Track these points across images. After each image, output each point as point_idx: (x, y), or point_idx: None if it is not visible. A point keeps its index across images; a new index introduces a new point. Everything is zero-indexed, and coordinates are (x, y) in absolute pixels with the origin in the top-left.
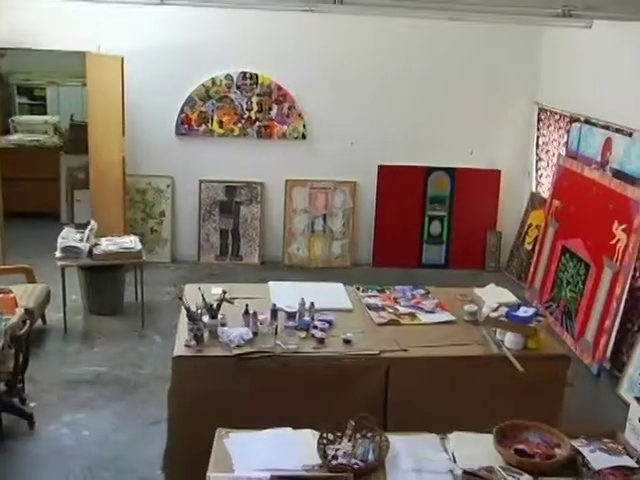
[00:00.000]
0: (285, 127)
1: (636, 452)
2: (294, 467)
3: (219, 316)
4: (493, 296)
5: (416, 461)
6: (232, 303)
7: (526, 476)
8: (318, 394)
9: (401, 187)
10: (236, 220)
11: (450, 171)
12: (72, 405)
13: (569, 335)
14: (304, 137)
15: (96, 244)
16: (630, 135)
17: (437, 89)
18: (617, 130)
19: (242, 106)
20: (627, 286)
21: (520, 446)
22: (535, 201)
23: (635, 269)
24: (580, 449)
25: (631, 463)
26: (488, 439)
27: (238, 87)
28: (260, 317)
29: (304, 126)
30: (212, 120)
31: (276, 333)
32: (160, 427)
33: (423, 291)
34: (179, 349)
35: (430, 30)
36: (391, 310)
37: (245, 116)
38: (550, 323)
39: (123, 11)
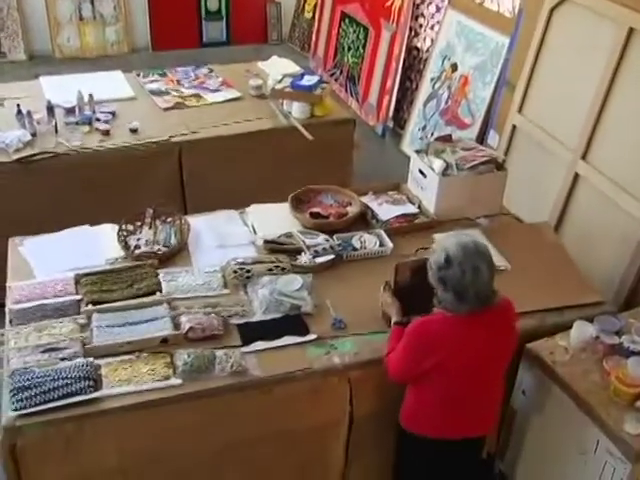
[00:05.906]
0: None
1: (417, 199)
2: (98, 263)
3: None
4: (277, 68)
5: (219, 237)
6: (2, 105)
7: (322, 235)
8: (112, 189)
9: None
10: None
11: None
12: None
13: (354, 100)
14: None
15: None
16: None
17: None
18: None
19: None
20: (404, 46)
21: (315, 209)
22: None
23: (411, 29)
24: (369, 204)
25: (413, 209)
26: (284, 207)
27: None
28: (36, 116)
29: None
30: None
31: (57, 131)
32: None
33: (206, 70)
34: None
35: None
36: (175, 93)
37: None
38: (335, 90)
39: None
